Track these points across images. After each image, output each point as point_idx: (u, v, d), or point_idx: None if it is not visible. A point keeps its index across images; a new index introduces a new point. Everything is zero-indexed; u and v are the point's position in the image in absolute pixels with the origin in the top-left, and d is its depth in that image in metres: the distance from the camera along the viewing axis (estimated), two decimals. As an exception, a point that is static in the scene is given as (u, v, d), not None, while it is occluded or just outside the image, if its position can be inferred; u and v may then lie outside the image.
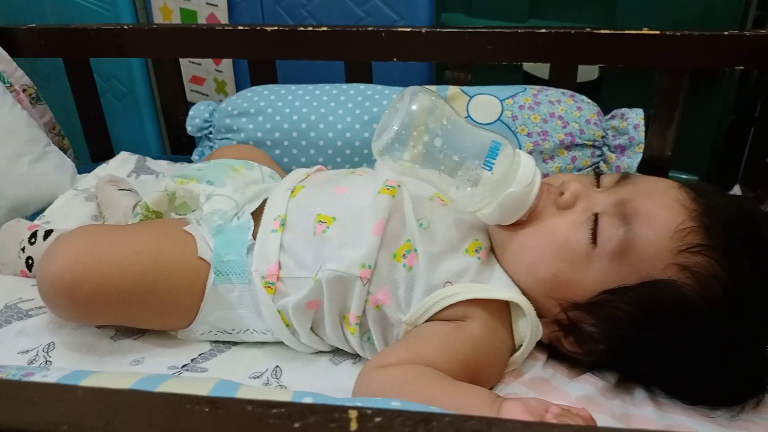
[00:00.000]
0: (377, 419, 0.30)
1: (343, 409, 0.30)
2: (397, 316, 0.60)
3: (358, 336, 0.62)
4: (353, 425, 0.30)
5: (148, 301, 0.64)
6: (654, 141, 1.05)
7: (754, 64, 0.96)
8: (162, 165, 1.09)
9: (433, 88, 0.98)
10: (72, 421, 0.30)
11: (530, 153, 0.92)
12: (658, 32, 0.97)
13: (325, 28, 1.02)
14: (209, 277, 0.65)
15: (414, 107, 0.56)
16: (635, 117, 0.93)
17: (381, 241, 0.61)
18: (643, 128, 0.92)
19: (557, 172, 0.93)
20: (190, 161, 1.06)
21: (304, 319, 0.62)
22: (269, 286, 0.63)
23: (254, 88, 1.02)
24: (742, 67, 1.00)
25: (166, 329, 0.68)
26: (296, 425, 0.30)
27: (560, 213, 0.60)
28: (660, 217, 0.56)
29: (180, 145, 1.15)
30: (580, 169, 0.94)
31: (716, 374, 0.55)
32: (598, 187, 0.63)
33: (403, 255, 0.61)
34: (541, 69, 1.16)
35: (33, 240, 0.77)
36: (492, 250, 0.64)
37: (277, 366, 0.65)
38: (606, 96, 1.27)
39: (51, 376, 0.47)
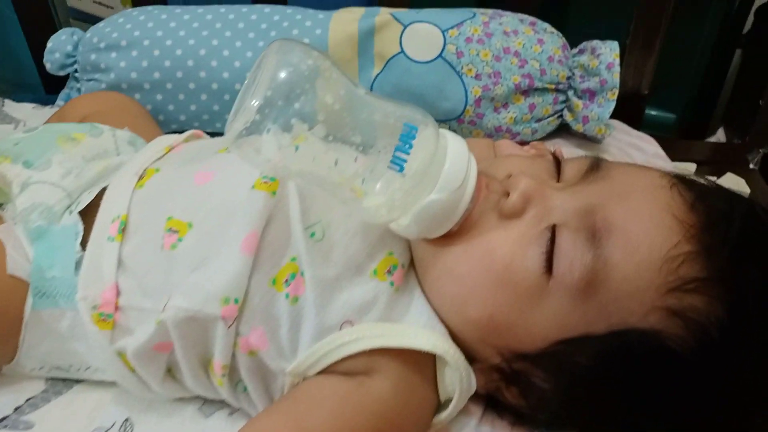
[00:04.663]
0: None
1: None
2: (278, 364, 0.44)
3: (228, 387, 0.45)
4: None
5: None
6: (629, 76, 0.88)
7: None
8: (26, 110, 0.87)
9: (359, 13, 0.77)
10: None
11: (479, 99, 0.74)
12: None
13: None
14: (28, 300, 0.47)
15: (282, 74, 0.36)
16: (609, 53, 0.74)
17: (254, 262, 0.43)
18: (618, 69, 0.73)
19: (511, 123, 0.75)
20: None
21: (153, 367, 0.45)
22: (104, 320, 0.45)
23: (128, 11, 0.80)
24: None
25: (-16, 362, 0.51)
26: None
27: (504, 223, 0.42)
28: (644, 237, 0.39)
29: (56, 81, 0.92)
30: (539, 120, 0.76)
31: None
32: (558, 180, 0.45)
33: (286, 281, 0.43)
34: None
35: None
36: (413, 264, 0.46)
37: (127, 419, 0.48)
38: (573, 15, 1.08)
39: None
